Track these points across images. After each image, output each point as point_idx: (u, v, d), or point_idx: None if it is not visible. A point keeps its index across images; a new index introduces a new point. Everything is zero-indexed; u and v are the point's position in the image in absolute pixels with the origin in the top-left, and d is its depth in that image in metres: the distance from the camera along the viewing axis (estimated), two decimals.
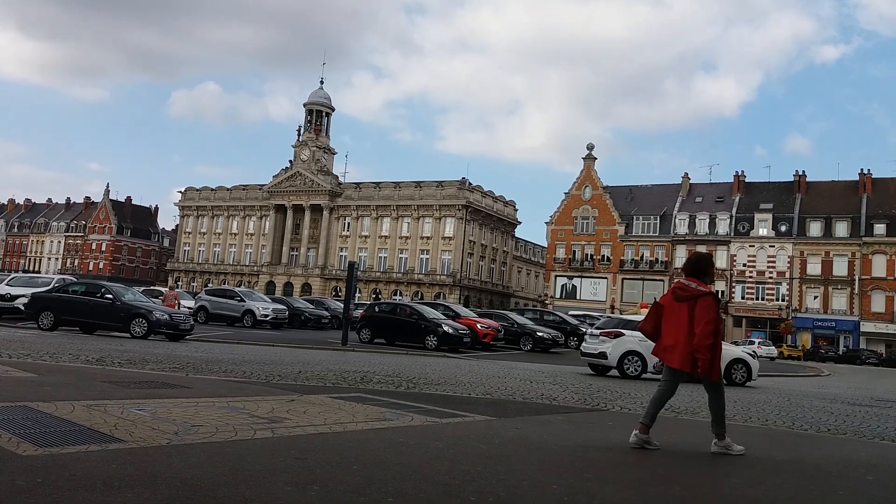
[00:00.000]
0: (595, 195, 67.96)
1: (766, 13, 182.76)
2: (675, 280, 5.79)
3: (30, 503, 3.31)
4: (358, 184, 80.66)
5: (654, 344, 6.17)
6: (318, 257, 78.69)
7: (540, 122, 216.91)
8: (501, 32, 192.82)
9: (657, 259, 64.89)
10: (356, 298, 35.39)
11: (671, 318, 5.96)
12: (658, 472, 5.24)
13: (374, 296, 68.56)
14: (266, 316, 29.27)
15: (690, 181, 68.29)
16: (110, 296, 18.40)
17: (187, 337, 18.82)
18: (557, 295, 68.13)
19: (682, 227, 64.45)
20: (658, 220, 65.44)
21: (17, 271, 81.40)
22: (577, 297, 66.39)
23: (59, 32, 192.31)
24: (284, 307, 31.43)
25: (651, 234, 65.49)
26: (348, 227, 78.61)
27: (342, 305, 30.29)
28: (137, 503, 3.45)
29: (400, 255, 75.09)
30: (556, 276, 69.19)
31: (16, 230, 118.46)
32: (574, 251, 68.27)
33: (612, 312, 55.47)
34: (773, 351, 48.76)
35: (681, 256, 63.95)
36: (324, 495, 3.85)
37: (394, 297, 67.08)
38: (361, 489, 4.02)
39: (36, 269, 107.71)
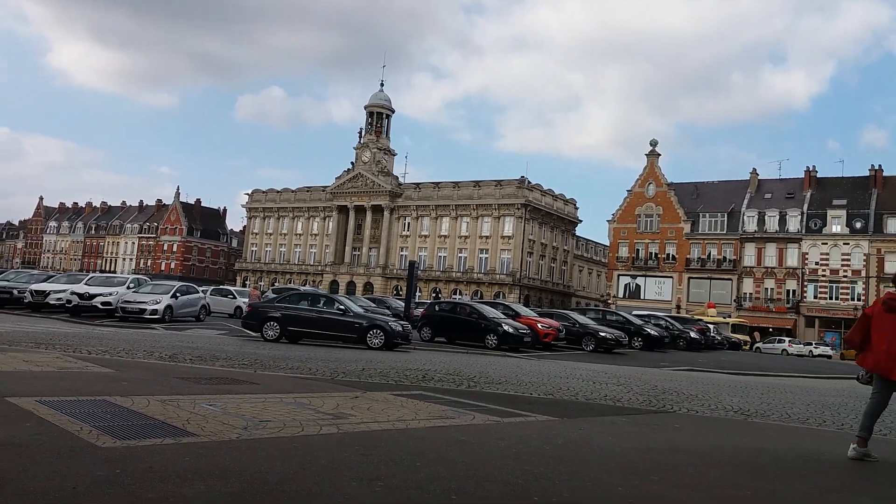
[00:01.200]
0: (659, 192, 66.48)
1: (838, 2, 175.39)
2: (885, 291, 6.02)
3: (109, 493, 3.46)
4: (418, 184, 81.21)
5: None
6: (380, 257, 79.60)
7: (600, 118, 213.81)
8: (560, 29, 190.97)
9: (725, 257, 63.01)
10: (416, 297, 35.62)
11: (884, 328, 5.91)
12: (728, 475, 5.10)
13: (434, 295, 68.87)
14: None
15: (759, 177, 66.04)
16: (341, 307, 18.28)
17: (404, 346, 18.34)
18: (620, 294, 66.96)
19: (750, 225, 62.39)
20: (725, 218, 63.54)
21: (94, 271, 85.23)
22: (641, 297, 65.08)
23: (130, 41, 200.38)
24: None
25: (718, 231, 63.64)
26: (408, 227, 79.23)
27: (403, 304, 30.60)
28: (210, 495, 3.57)
29: (459, 255, 75.22)
30: (618, 276, 68.02)
31: (93, 232, 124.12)
32: (637, 250, 66.95)
33: (678, 312, 54.21)
34: (829, 350, 48.54)
35: (750, 254, 61.97)
36: (388, 491, 3.89)
37: (453, 297, 67.26)
38: (425, 486, 4.05)
39: (112, 269, 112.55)
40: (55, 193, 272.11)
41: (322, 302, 18.87)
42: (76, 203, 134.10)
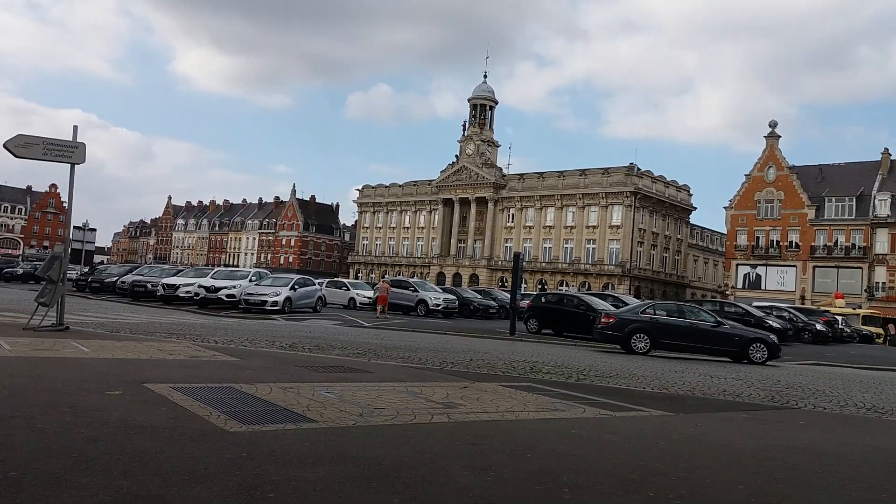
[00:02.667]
0: (780, 176, 62.74)
1: None
2: None
3: (237, 475, 3.68)
4: (521, 175, 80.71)
5: None
6: (484, 248, 79.85)
7: (715, 100, 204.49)
8: (670, 8, 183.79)
9: (854, 244, 58.68)
10: (522, 289, 35.43)
11: None
12: (860, 476, 4.78)
13: (539, 286, 68.27)
14: (438, 305, 30.25)
15: (892, 157, 60.98)
16: (713, 318, 17.36)
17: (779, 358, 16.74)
18: (739, 285, 63.81)
19: (882, 209, 57.68)
20: (854, 202, 59.13)
21: (218, 265, 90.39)
22: (762, 287, 61.72)
23: (247, 46, 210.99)
24: (454, 297, 32.28)
25: (846, 216, 59.31)
26: (513, 219, 78.96)
27: (509, 295, 30.57)
28: (329, 479, 3.73)
29: (565, 246, 74.16)
30: (737, 265, 64.83)
31: (217, 228, 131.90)
32: (757, 237, 63.53)
33: (803, 303, 51.08)
34: None
35: (882, 241, 57.39)
36: (500, 481, 3.92)
37: (560, 288, 66.42)
38: (536, 478, 4.04)
39: (234, 263, 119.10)
40: (182, 192, 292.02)
41: (692, 312, 17.76)
42: (201, 201, 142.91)
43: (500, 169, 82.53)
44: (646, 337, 16.68)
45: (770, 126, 64.46)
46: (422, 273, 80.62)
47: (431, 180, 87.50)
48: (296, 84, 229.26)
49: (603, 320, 17.70)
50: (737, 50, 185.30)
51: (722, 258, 72.88)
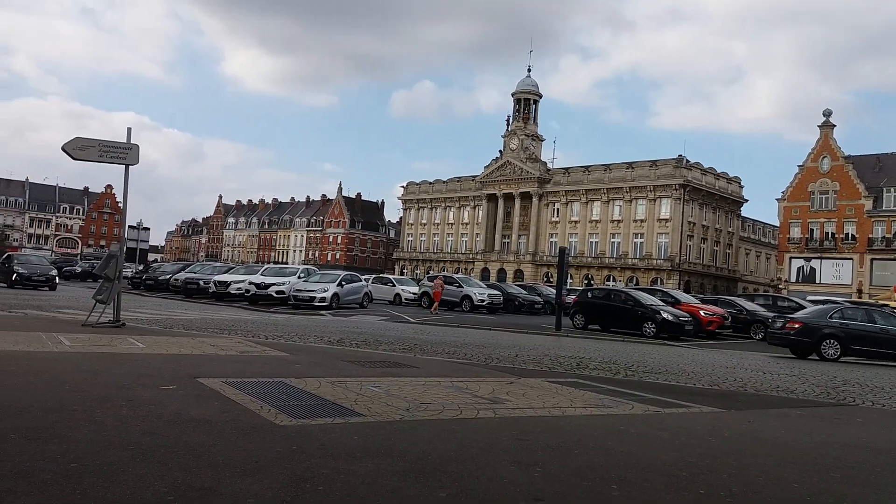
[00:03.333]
0: (835, 166, 60.72)
1: None
2: None
3: (288, 468, 3.75)
4: (566, 169, 79.94)
5: None
6: (529, 244, 79.41)
7: (766, 89, 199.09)
8: None
9: None
10: (568, 284, 35.20)
11: None
12: None
13: (585, 281, 67.62)
14: (482, 301, 30.25)
15: None
16: None
17: None
18: (793, 278, 62.06)
19: None
20: None
21: (268, 263, 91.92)
22: (817, 281, 59.89)
23: (293, 46, 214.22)
24: (499, 293, 32.22)
25: None
26: (557, 213, 78.30)
27: (554, 291, 30.39)
28: (376, 472, 3.77)
29: (612, 240, 73.20)
30: (790, 258, 63.04)
31: (266, 226, 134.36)
32: (811, 230, 61.66)
33: (860, 297, 49.36)
34: None
35: None
36: (546, 477, 3.90)
37: (606, 283, 65.67)
38: (584, 474, 4.02)
39: (284, 260, 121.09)
40: (232, 192, 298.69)
41: (882, 317, 17.11)
42: (250, 200, 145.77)
43: (545, 163, 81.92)
44: (836, 343, 16.03)
45: (824, 115, 62.47)
46: (466, 269, 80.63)
47: (475, 176, 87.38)
48: (341, 83, 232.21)
49: (788, 325, 16.96)
50: (787, 37, 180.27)
51: (775, 251, 71.02)
